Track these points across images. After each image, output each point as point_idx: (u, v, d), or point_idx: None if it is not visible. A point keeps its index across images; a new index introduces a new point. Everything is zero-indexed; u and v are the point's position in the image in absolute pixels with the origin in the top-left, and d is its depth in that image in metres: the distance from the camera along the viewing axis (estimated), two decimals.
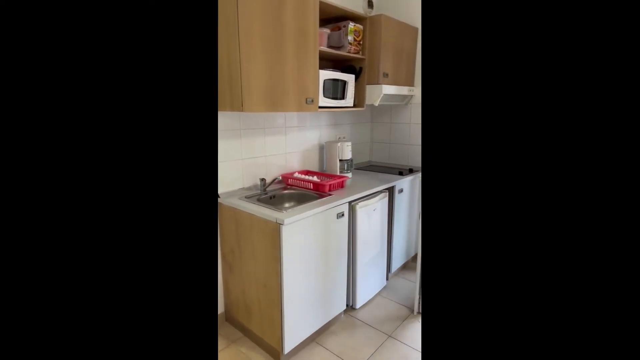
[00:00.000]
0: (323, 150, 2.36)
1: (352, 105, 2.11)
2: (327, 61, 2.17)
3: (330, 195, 1.78)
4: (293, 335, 1.58)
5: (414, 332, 1.82)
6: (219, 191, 1.79)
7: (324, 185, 1.85)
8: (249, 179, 1.93)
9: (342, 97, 2.02)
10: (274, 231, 1.44)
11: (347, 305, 1.97)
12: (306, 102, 1.77)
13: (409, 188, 2.33)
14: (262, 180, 1.85)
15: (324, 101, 1.89)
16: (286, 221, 1.40)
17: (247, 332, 1.77)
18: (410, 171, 2.39)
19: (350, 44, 2.02)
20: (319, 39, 1.79)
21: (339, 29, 2.00)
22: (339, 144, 2.18)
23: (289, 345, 1.57)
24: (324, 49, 1.86)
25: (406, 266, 2.55)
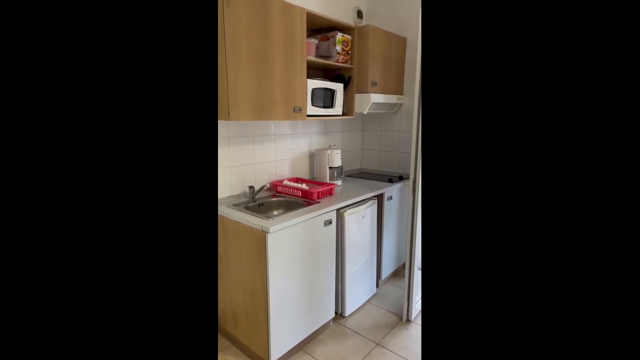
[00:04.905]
0: (313, 157, 2.38)
1: (341, 113, 2.13)
2: (316, 70, 2.20)
3: (318, 202, 1.79)
4: (280, 343, 1.58)
5: (402, 339, 1.82)
6: None
7: (312, 193, 1.86)
8: (238, 187, 1.93)
9: (331, 106, 2.05)
10: (260, 239, 1.44)
11: (336, 313, 1.96)
12: (294, 111, 1.79)
13: (398, 195, 2.35)
14: (251, 187, 1.85)
15: (312, 110, 1.91)
16: (271, 229, 1.41)
17: (234, 341, 1.76)
18: (400, 178, 2.41)
19: (339, 53, 2.05)
20: (307, 49, 1.82)
21: (328, 39, 2.03)
22: (328, 152, 2.20)
23: (275, 353, 1.56)
24: (313, 58, 1.88)
25: (396, 273, 2.55)
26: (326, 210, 1.71)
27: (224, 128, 1.81)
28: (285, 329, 1.59)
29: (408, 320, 1.97)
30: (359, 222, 1.96)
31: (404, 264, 2.59)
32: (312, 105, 1.91)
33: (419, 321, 1.99)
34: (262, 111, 1.63)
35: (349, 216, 1.87)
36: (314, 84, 1.89)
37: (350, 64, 2.15)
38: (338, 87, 2.06)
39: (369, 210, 2.02)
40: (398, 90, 2.50)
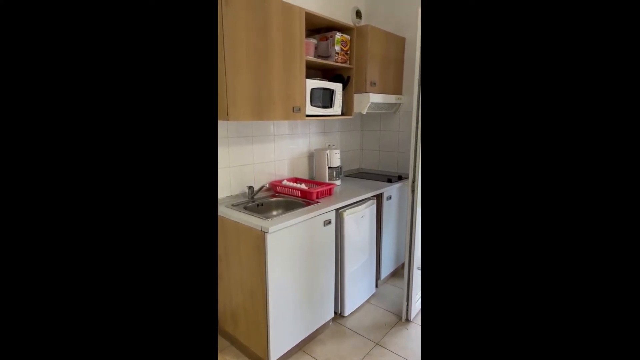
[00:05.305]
0: (312, 157, 2.38)
1: (340, 113, 2.13)
2: (315, 70, 2.20)
3: (317, 202, 1.79)
4: (279, 343, 1.57)
5: (402, 339, 1.82)
6: None
7: (311, 193, 1.86)
8: (237, 187, 1.93)
9: (330, 106, 2.05)
10: (259, 239, 1.44)
11: (335, 313, 1.96)
12: (293, 111, 1.79)
13: (397, 195, 2.35)
14: (250, 187, 1.85)
15: (311, 110, 1.91)
16: (271, 229, 1.41)
17: (233, 341, 1.76)
18: (399, 178, 2.41)
19: (338, 53, 2.05)
20: (306, 49, 1.82)
21: (327, 39, 2.03)
22: (327, 152, 2.20)
23: (275, 354, 1.56)
24: (312, 58, 1.88)
25: (396, 273, 2.55)
26: (325, 210, 1.71)
27: (222, 128, 1.81)
28: (284, 329, 1.59)
29: (407, 320, 1.98)
30: (358, 222, 1.96)
31: (403, 264, 2.59)
32: (311, 105, 1.91)
33: (418, 321, 1.99)
34: (261, 111, 1.63)
35: (348, 216, 1.87)
36: (313, 84, 1.89)
37: (349, 64, 2.15)
38: (337, 87, 2.06)
39: (368, 210, 2.02)
40: (397, 90, 2.50)
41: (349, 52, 2.14)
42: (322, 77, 2.14)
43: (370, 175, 2.56)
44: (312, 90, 1.89)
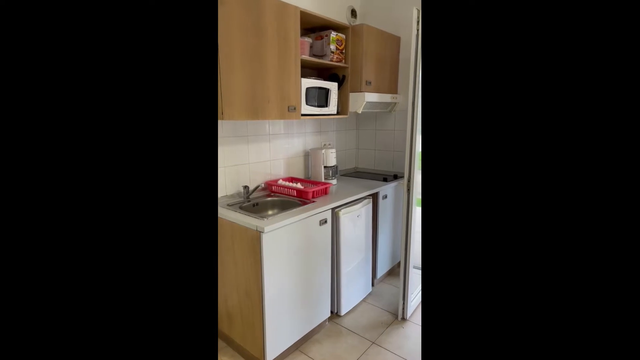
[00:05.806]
0: (308, 157, 2.38)
1: (335, 112, 2.13)
2: (311, 69, 2.19)
3: (313, 202, 1.79)
4: (275, 343, 1.57)
5: (398, 338, 1.83)
6: None
7: (307, 192, 1.85)
8: (232, 187, 1.92)
9: (326, 105, 2.04)
10: (255, 239, 1.44)
11: (331, 312, 1.96)
12: (288, 110, 1.78)
13: (393, 194, 2.35)
14: (245, 187, 1.84)
15: (306, 109, 1.91)
16: (266, 229, 1.40)
17: (229, 342, 1.75)
18: (395, 177, 2.42)
19: (333, 52, 2.04)
20: (301, 48, 1.82)
21: (322, 38, 2.03)
22: (323, 151, 2.20)
23: (271, 354, 1.56)
24: (307, 57, 1.88)
25: (391, 272, 2.56)
26: (321, 210, 1.70)
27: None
28: (280, 329, 1.58)
29: (404, 319, 1.98)
30: (354, 221, 1.96)
31: (399, 263, 2.60)
32: (307, 104, 1.90)
33: (414, 319, 2.00)
34: (256, 110, 1.62)
35: (344, 215, 1.86)
36: (308, 83, 1.89)
37: (345, 63, 2.15)
38: (332, 86, 2.05)
39: (364, 210, 2.02)
40: (392, 89, 2.50)
41: (344, 51, 2.13)
42: (318, 76, 2.14)
43: (366, 175, 2.57)
44: (308, 89, 1.89)
